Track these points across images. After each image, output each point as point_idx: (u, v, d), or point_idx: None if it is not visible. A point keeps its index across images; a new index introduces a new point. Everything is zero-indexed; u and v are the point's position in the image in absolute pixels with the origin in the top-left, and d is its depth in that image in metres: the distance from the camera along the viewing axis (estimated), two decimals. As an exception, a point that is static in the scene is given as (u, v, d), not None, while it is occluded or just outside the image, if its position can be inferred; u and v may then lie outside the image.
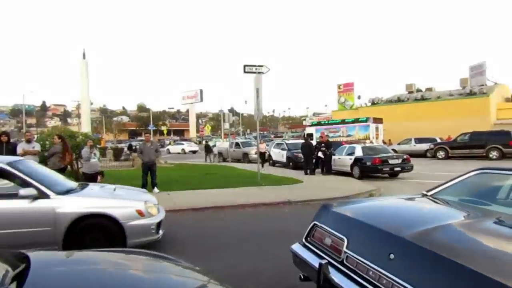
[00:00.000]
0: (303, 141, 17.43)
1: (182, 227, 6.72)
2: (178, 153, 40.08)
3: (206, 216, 7.79)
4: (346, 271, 2.44)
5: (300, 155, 16.56)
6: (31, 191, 4.48)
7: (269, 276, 4.22)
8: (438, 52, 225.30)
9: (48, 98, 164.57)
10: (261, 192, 10.23)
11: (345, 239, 2.58)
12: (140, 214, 4.90)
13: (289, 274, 3.57)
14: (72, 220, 4.57)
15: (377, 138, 24.82)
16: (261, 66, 12.53)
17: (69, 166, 10.32)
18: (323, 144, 15.58)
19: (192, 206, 8.40)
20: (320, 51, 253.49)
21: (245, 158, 24.14)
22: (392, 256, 2.17)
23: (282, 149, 20.59)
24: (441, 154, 22.54)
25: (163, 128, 78.00)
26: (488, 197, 3.11)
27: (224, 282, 2.00)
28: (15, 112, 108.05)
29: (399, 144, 26.22)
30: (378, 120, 26.18)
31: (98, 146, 19.90)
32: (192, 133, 79.83)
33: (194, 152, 39.83)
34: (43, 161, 8.60)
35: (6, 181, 4.75)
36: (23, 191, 4.44)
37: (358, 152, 14.53)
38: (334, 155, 15.63)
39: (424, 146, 24.36)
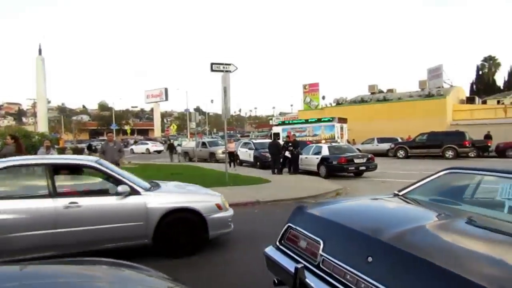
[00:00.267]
0: (270, 140, 17.44)
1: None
2: (143, 153, 39.11)
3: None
4: (323, 275, 2.36)
5: (268, 154, 16.57)
6: (125, 188, 4.69)
7: (241, 282, 4.09)
8: (399, 55, 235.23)
9: (0, 97, 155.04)
10: (229, 192, 10.03)
11: (321, 242, 2.50)
12: (219, 207, 5.24)
13: (260, 279, 3.45)
14: (162, 214, 4.81)
15: (342, 137, 25.36)
16: (229, 64, 12.35)
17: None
18: (290, 144, 15.66)
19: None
20: (286, 51, 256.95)
21: (212, 157, 23.88)
22: (370, 259, 2.12)
23: (249, 149, 20.55)
24: (401, 153, 23.46)
25: (127, 127, 75.59)
26: (457, 196, 3.15)
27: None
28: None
29: (362, 143, 27.02)
30: (342, 120, 26.76)
31: (56, 146, 18.92)
32: (157, 132, 77.97)
33: (159, 152, 38.96)
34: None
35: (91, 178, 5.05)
36: (120, 188, 4.64)
37: (325, 152, 14.73)
38: (301, 154, 15.77)
39: (386, 146, 25.23)
